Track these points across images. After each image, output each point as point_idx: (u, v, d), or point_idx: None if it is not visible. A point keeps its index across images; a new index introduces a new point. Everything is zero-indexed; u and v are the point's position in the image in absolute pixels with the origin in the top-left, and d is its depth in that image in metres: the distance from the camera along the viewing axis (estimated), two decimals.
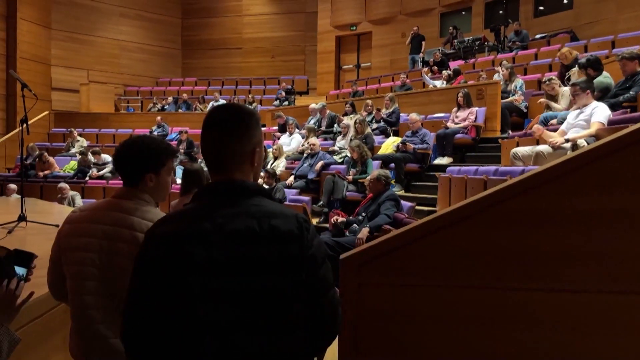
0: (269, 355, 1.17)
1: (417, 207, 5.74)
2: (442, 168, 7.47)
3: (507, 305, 1.63)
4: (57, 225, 4.81)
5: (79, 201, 9.33)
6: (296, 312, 1.20)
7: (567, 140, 4.32)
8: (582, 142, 4.23)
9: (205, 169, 1.76)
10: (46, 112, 14.77)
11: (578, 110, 4.58)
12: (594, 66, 5.50)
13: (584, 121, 4.42)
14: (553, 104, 5.92)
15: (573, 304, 1.57)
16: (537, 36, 12.23)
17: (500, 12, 13.26)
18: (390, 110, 9.00)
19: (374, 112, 9.20)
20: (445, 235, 1.71)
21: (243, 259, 1.16)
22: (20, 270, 1.52)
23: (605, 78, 5.40)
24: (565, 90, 5.81)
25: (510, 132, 8.13)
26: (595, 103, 4.44)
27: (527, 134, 5.77)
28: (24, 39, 15.05)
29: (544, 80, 6.42)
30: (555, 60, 9.97)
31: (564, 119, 5.25)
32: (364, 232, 4.34)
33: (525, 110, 8.22)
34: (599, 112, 4.33)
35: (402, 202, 4.87)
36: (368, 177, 5.10)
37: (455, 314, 1.68)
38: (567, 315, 1.57)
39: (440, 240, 1.73)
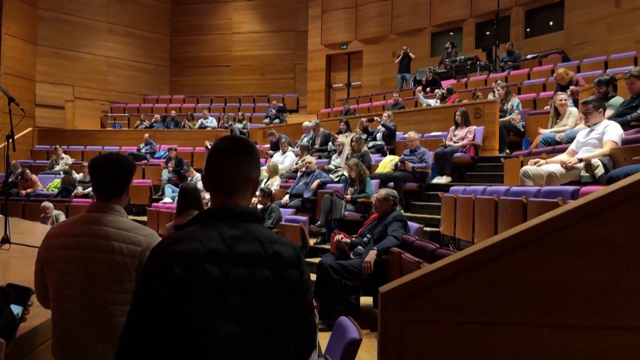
0: None
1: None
2: (440, 187, 7.33)
3: (582, 347, 1.42)
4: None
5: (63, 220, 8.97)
6: (290, 329, 1.29)
7: (580, 160, 4.18)
8: (596, 162, 4.09)
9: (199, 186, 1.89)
10: (30, 129, 14.41)
11: (588, 129, 4.45)
12: (615, 85, 5.44)
13: (596, 140, 4.29)
14: (559, 128, 5.81)
15: None
16: (529, 56, 12.30)
17: (491, 32, 13.34)
18: (390, 125, 8.86)
19: (375, 119, 9.07)
20: (505, 264, 1.51)
21: (250, 279, 1.23)
22: (16, 309, 1.30)
23: (618, 98, 5.34)
24: (574, 110, 5.72)
25: (507, 150, 8.06)
26: (606, 121, 4.32)
27: (531, 153, 5.65)
28: (8, 54, 14.74)
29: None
30: (550, 79, 10.01)
31: (572, 138, 5.14)
32: (372, 254, 4.12)
33: (522, 130, 8.15)
34: (612, 131, 4.21)
35: (409, 223, 4.68)
36: (374, 196, 4.90)
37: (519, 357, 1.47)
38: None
39: (500, 270, 1.52)
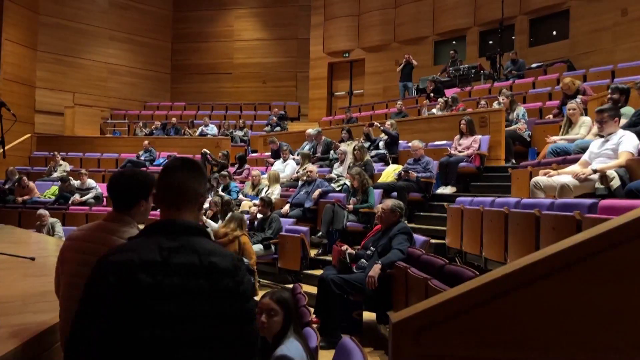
0: None
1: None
2: (445, 198, 7.15)
3: None
4: (33, 258, 4.33)
5: (59, 229, 8.77)
6: (225, 336, 1.36)
7: (594, 172, 4.00)
8: (611, 173, 3.91)
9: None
10: (28, 135, 14.27)
11: (602, 139, 4.27)
12: (628, 96, 5.27)
13: (611, 150, 4.11)
14: (568, 137, 5.64)
15: None
16: (533, 65, 12.15)
17: (495, 41, 13.20)
18: (392, 131, 8.68)
19: (375, 124, 8.91)
20: (541, 289, 1.31)
21: (185, 287, 1.32)
22: None
23: (629, 107, 5.17)
24: (587, 119, 5.53)
25: (514, 160, 7.87)
26: (621, 131, 4.14)
27: (540, 163, 5.47)
28: (7, 60, 14.63)
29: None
30: (556, 89, 9.84)
31: (584, 148, 4.96)
32: (376, 269, 3.93)
33: (528, 139, 7.97)
34: (628, 141, 4.03)
35: (415, 235, 4.49)
36: (379, 207, 4.71)
37: None
38: None
39: (535, 297, 1.32)
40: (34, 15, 15.94)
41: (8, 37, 14.62)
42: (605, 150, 4.13)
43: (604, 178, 3.93)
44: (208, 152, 11.27)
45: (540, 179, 4.28)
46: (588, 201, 3.32)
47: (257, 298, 3.18)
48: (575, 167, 4.35)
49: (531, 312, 1.28)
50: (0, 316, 2.54)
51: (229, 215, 6.00)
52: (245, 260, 5.00)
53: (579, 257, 1.27)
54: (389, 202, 4.45)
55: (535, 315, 1.28)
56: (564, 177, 4.18)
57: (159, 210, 1.52)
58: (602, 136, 4.42)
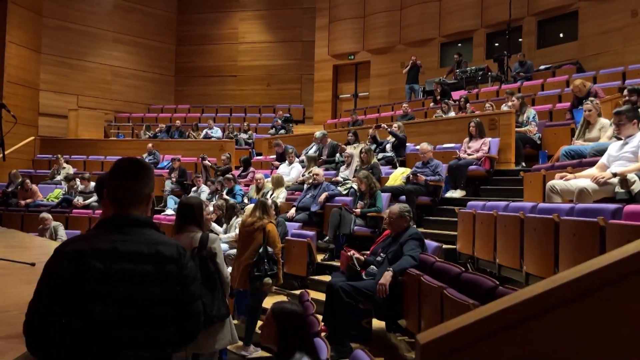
0: (146, 344, 1.52)
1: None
2: (454, 201, 7.00)
3: None
4: (33, 264, 4.18)
5: (62, 233, 8.66)
6: (169, 314, 1.56)
7: (614, 175, 3.85)
8: (632, 177, 3.75)
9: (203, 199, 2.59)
10: (32, 138, 14.18)
11: (621, 142, 4.12)
12: None
13: (631, 153, 3.96)
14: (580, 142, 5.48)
15: None
16: (542, 67, 12.00)
17: (502, 43, 13.06)
18: (400, 134, 8.54)
19: (382, 126, 8.80)
20: (590, 305, 1.17)
21: (132, 273, 1.51)
22: None
23: None
24: (605, 121, 5.38)
25: (524, 163, 7.72)
26: None
27: (554, 166, 5.31)
28: (12, 62, 14.56)
29: None
30: (566, 90, 9.69)
31: (600, 151, 4.80)
32: (387, 276, 3.78)
33: (539, 142, 7.81)
34: None
35: (426, 241, 4.35)
36: (386, 212, 4.57)
37: None
38: None
39: (583, 313, 1.18)
40: (38, 18, 15.89)
41: (12, 40, 14.56)
42: (625, 153, 3.98)
43: (624, 182, 3.78)
44: (205, 156, 11.20)
45: (557, 182, 4.12)
46: (611, 206, 3.17)
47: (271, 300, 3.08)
48: (593, 171, 4.20)
49: (584, 330, 1.13)
50: None
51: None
52: (269, 249, 4.84)
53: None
54: (396, 208, 4.30)
55: (589, 333, 1.13)
56: (582, 180, 4.02)
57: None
58: (620, 138, 4.27)
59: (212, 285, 3.15)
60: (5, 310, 2.76)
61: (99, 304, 1.47)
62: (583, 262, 3.33)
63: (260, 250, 4.81)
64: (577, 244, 3.17)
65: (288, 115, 15.54)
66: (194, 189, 10.23)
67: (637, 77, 9.19)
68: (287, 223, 6.83)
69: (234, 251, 6.10)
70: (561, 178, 4.26)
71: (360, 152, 7.84)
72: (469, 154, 7.36)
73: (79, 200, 10.51)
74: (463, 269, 3.30)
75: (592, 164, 4.62)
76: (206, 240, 3.25)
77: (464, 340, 1.24)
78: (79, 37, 16.84)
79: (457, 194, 7.10)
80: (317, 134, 9.90)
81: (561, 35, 12.67)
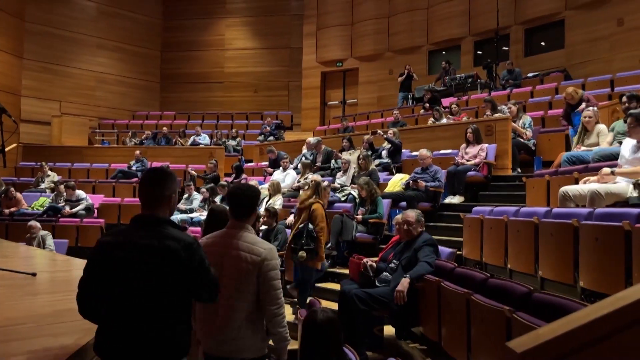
0: (155, 320, 2.00)
1: None
2: (453, 207, 7.00)
3: None
4: (34, 274, 4.00)
5: (50, 242, 8.43)
6: (173, 291, 2.02)
7: (612, 173, 3.87)
8: None
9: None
10: (14, 145, 13.79)
11: (634, 143, 4.12)
12: None
13: None
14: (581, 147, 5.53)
15: None
16: (530, 74, 12.16)
17: (490, 51, 13.20)
18: (396, 140, 8.54)
19: (378, 132, 8.78)
20: None
21: (144, 261, 1.99)
22: None
23: None
24: (603, 127, 5.44)
25: (519, 169, 7.77)
26: None
27: (558, 172, 5.34)
28: None
29: None
30: (556, 97, 9.82)
31: (604, 156, 4.85)
32: (405, 283, 3.72)
33: (533, 148, 7.89)
34: None
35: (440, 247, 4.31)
36: (398, 219, 4.52)
37: None
38: None
39: None
40: (20, 23, 15.57)
41: None
42: (639, 155, 4.00)
43: (637, 185, 3.80)
44: (192, 172, 11.16)
45: (569, 188, 4.13)
46: (635, 211, 3.17)
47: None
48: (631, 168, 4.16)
49: None
50: (14, 341, 2.29)
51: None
52: (310, 225, 5.14)
53: None
54: (413, 213, 4.25)
55: None
56: (594, 184, 4.04)
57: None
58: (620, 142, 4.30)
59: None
60: (18, 323, 2.61)
61: (120, 283, 1.99)
62: (607, 266, 3.33)
63: (301, 225, 5.18)
64: (600, 249, 3.16)
65: (279, 121, 15.45)
66: (185, 196, 10.07)
67: (625, 85, 9.36)
68: (287, 230, 6.73)
69: None
70: (584, 182, 4.26)
71: (358, 158, 7.80)
72: (466, 160, 7.39)
73: (65, 208, 10.23)
74: (489, 275, 3.26)
75: (597, 169, 4.65)
76: None
77: (566, 348, 1.19)
78: (62, 43, 16.53)
79: (456, 199, 7.10)
80: (311, 140, 9.84)
81: (548, 43, 12.87)
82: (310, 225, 5.14)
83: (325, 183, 6.12)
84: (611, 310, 1.18)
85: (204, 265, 2.08)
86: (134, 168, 12.33)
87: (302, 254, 5.02)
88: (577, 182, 4.64)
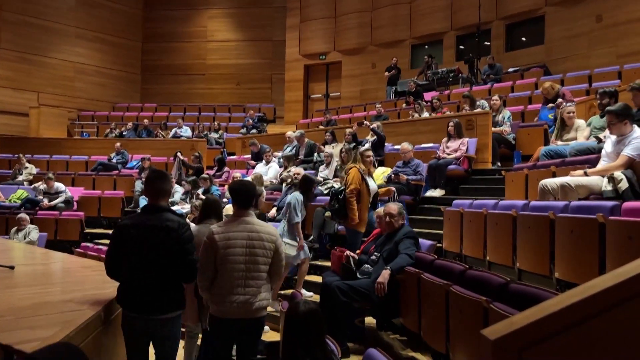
0: (159, 278, 2.89)
1: None
2: (434, 200, 7.08)
3: None
4: (12, 267, 3.94)
5: (35, 235, 8.38)
6: (171, 261, 2.90)
7: (585, 174, 3.96)
8: (619, 175, 3.84)
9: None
10: None
11: (614, 139, 4.19)
12: (616, 99, 5.26)
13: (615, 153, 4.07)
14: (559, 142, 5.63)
15: None
16: (510, 70, 12.30)
17: (472, 45, 13.32)
18: (381, 132, 8.58)
19: (364, 123, 8.83)
20: None
21: (150, 238, 2.88)
22: None
23: None
24: (581, 122, 5.54)
25: (499, 163, 7.88)
26: (635, 132, 4.04)
27: (536, 166, 5.44)
28: None
29: None
30: (535, 92, 9.96)
31: (580, 151, 4.95)
32: (385, 275, 3.76)
33: (513, 142, 8.00)
34: (633, 145, 3.95)
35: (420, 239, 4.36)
36: (380, 211, 4.56)
37: None
38: None
39: None
40: None
41: None
42: (616, 150, 4.08)
43: (611, 180, 3.89)
44: (181, 156, 10.94)
45: (548, 181, 4.21)
46: (610, 204, 3.25)
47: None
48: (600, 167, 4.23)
49: None
50: None
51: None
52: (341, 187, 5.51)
53: None
54: (394, 206, 4.30)
55: None
56: (566, 178, 4.12)
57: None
58: (599, 139, 4.39)
59: None
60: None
61: (134, 255, 2.88)
62: (581, 258, 3.41)
63: (334, 188, 5.67)
64: (575, 241, 3.24)
65: (262, 114, 15.39)
66: (202, 188, 9.94)
67: (602, 80, 9.53)
68: (269, 223, 6.72)
69: None
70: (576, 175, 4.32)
71: (341, 151, 7.81)
72: (447, 154, 7.46)
73: (44, 201, 10.08)
74: (467, 266, 3.32)
75: (574, 164, 4.75)
76: None
77: (536, 335, 1.23)
78: (40, 33, 16.21)
79: (437, 193, 7.17)
80: (295, 133, 9.83)
81: (528, 38, 13.03)
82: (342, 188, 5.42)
83: (364, 147, 6.17)
84: (582, 298, 1.22)
85: (192, 243, 2.96)
86: (114, 160, 12.20)
87: (328, 213, 5.53)
88: (554, 176, 4.74)
